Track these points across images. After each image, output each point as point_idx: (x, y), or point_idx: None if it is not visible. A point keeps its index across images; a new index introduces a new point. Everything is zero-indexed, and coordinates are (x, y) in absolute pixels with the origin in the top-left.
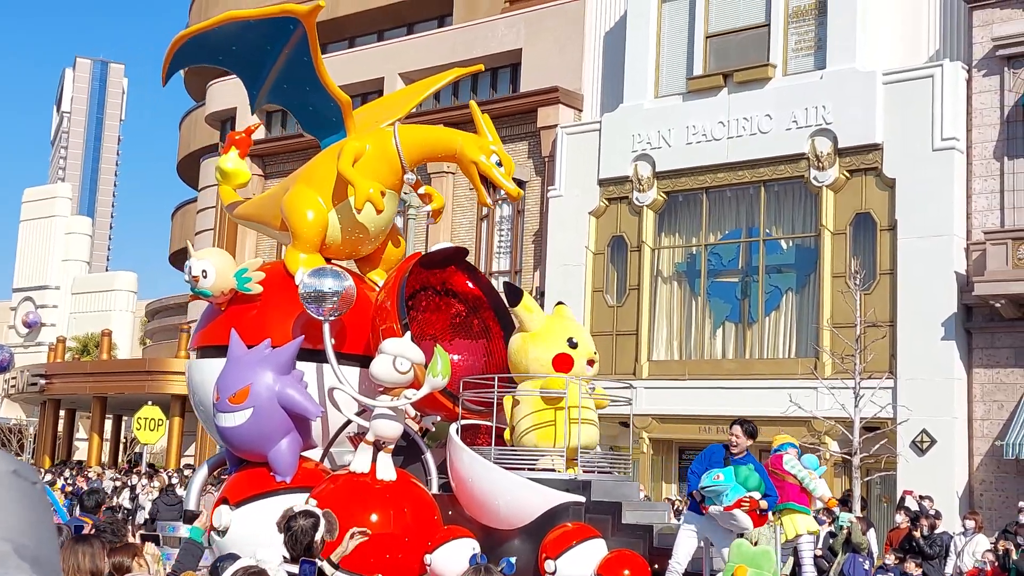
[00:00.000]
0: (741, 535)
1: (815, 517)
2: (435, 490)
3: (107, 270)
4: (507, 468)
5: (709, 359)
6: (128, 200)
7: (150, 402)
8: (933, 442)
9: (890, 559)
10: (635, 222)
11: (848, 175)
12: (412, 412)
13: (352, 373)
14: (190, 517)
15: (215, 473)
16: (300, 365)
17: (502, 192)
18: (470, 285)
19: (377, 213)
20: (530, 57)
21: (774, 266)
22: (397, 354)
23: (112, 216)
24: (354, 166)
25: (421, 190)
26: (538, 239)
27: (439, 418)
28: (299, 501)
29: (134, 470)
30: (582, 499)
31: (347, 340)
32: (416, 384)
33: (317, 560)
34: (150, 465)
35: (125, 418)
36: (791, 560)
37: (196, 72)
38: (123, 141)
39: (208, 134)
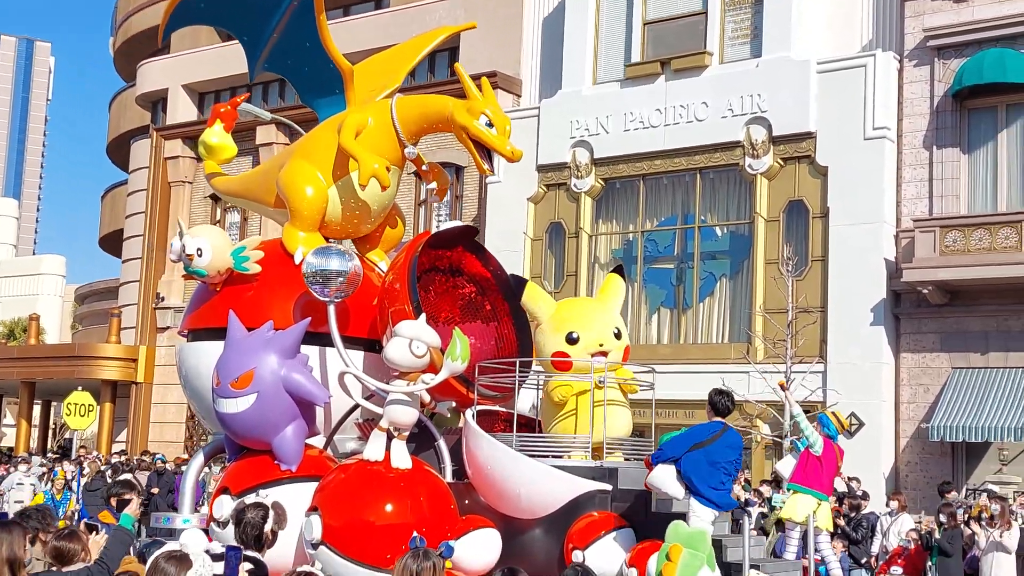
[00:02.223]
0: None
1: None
2: (449, 478)
3: (34, 253)
4: (531, 455)
5: (645, 344)
6: (56, 182)
7: (80, 388)
8: (861, 425)
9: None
10: (573, 208)
11: (782, 163)
12: (427, 398)
13: (356, 357)
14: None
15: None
16: (303, 349)
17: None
18: (479, 266)
19: (382, 190)
20: (468, 42)
21: (709, 252)
22: (413, 337)
23: (39, 199)
24: (356, 140)
25: (423, 167)
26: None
27: (453, 404)
28: (305, 490)
29: (71, 456)
30: (608, 487)
31: (350, 322)
32: (432, 368)
33: (251, 551)
34: (83, 447)
35: (54, 404)
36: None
37: (126, 52)
38: (50, 122)
39: (138, 115)
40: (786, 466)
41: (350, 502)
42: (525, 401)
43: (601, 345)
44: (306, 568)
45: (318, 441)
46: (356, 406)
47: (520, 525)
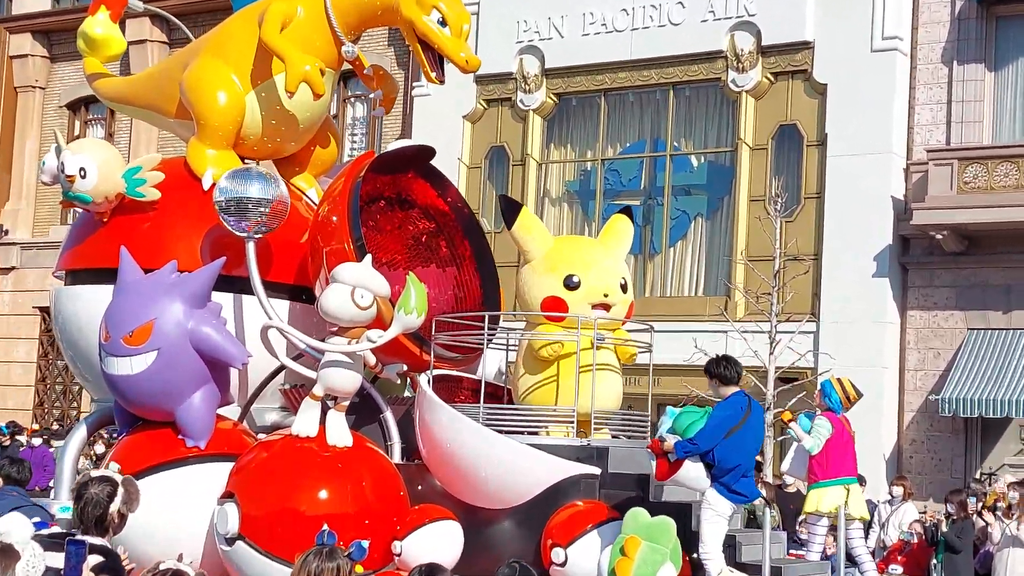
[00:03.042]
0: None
1: None
2: (398, 459)
3: None
4: (501, 431)
5: None
6: None
7: None
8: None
9: (803, 533)
10: (519, 130)
11: (772, 79)
12: (372, 359)
13: (280, 307)
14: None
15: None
16: (215, 296)
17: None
18: (436, 196)
19: (315, 98)
20: None
21: (682, 187)
22: (356, 284)
23: None
24: (282, 35)
25: (365, 70)
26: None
27: (404, 367)
28: (217, 472)
29: None
30: (596, 471)
31: (274, 264)
32: (379, 323)
33: (99, 539)
34: None
35: None
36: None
37: None
38: None
39: None
40: (796, 464)
41: (274, 488)
42: (492, 365)
43: (606, 296)
44: (173, 565)
45: (232, 411)
46: (281, 368)
47: (486, 516)
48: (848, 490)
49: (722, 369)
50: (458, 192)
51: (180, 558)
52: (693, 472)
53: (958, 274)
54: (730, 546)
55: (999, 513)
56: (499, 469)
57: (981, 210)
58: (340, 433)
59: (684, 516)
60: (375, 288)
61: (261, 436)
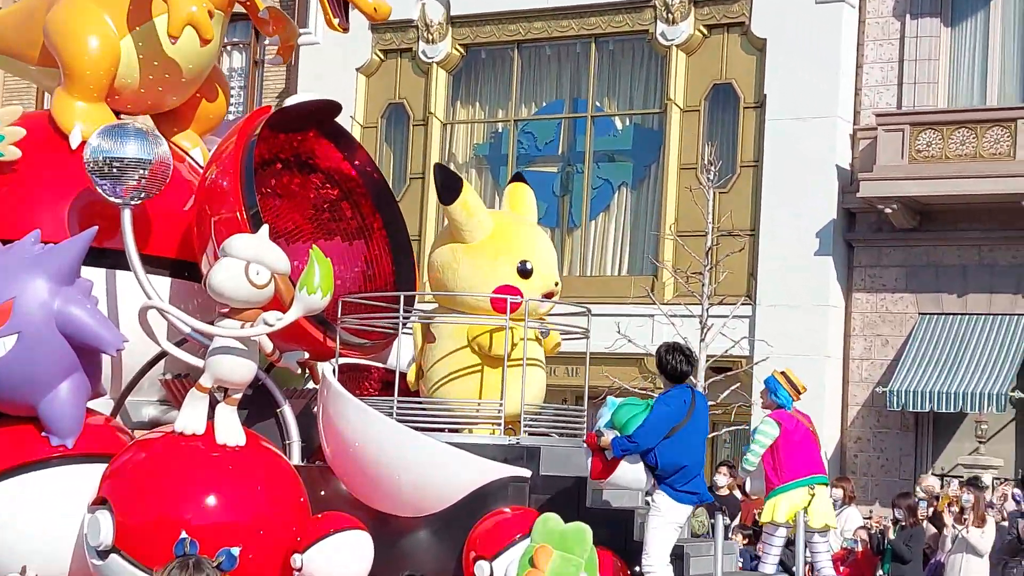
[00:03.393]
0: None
1: None
2: (297, 460)
3: None
4: (417, 428)
5: None
6: None
7: None
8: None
9: (738, 540)
10: (421, 85)
11: (706, 32)
12: (269, 346)
13: (160, 285)
14: None
15: None
16: (84, 272)
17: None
18: (341, 159)
19: (202, 44)
20: None
21: (605, 152)
22: (251, 259)
23: None
24: None
25: (260, 12)
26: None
27: (305, 355)
28: (87, 475)
29: None
30: (527, 473)
31: (152, 236)
32: (278, 304)
33: None
34: None
35: None
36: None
37: None
38: None
39: None
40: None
41: (154, 493)
42: (407, 353)
43: (557, 284)
44: None
45: (105, 405)
46: (162, 355)
47: (400, 526)
48: (812, 493)
49: (670, 358)
50: (367, 155)
51: (23, 572)
52: (631, 474)
53: (909, 252)
54: (677, 557)
55: (951, 517)
56: (415, 471)
57: (935, 181)
58: (231, 430)
59: (625, 524)
60: (272, 263)
61: (138, 434)
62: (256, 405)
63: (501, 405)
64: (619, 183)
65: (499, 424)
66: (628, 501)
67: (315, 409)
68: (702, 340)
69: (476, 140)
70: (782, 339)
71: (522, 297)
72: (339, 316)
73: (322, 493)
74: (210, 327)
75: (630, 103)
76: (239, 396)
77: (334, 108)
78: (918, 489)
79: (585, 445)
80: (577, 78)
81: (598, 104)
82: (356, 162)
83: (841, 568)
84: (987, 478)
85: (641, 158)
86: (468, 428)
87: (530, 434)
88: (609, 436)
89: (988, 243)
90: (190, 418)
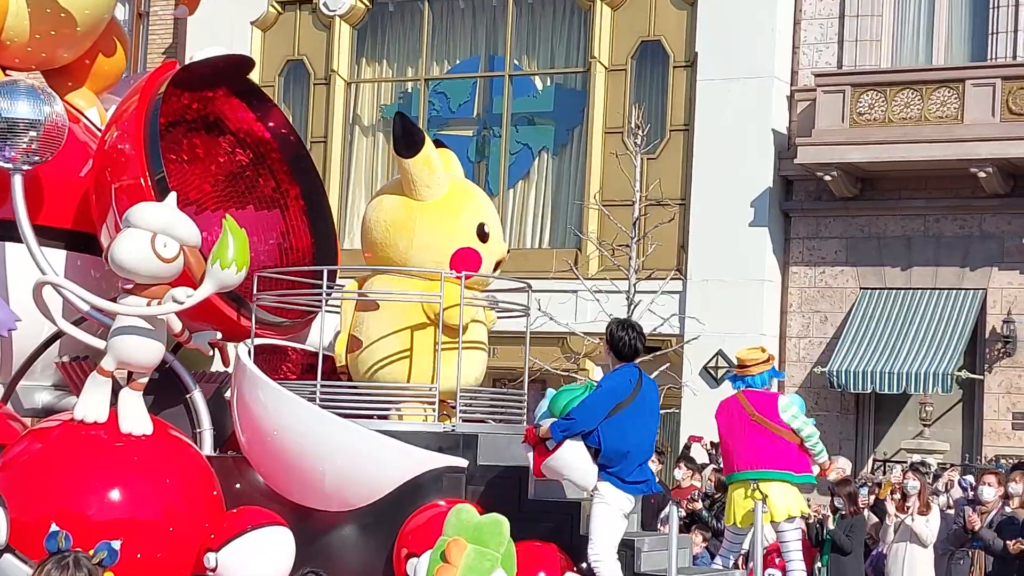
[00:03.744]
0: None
1: None
2: (209, 450)
3: None
4: (342, 414)
5: None
6: None
7: None
8: (731, 368)
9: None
10: (322, 40)
11: None
12: (178, 326)
13: (55, 258)
14: None
15: None
16: None
17: None
18: (254, 120)
19: None
20: None
21: (524, 115)
22: (158, 229)
23: None
24: None
25: None
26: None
27: (218, 335)
28: None
29: None
30: (463, 463)
31: (45, 205)
32: (187, 279)
33: None
34: None
35: None
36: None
37: None
38: None
39: None
40: None
41: (52, 487)
42: (330, 332)
43: (507, 253)
44: None
45: None
46: (58, 335)
47: (324, 521)
48: (756, 486)
49: (622, 334)
50: (283, 116)
51: None
52: (574, 460)
53: (850, 223)
54: (627, 548)
55: (894, 505)
56: (341, 462)
57: (878, 146)
58: (137, 418)
59: (571, 517)
60: (182, 235)
61: (31, 422)
62: (163, 390)
63: (432, 387)
64: (539, 148)
65: (433, 409)
66: (573, 493)
67: (227, 394)
68: (629, 318)
69: (383, 101)
70: (714, 316)
71: (480, 263)
72: (255, 292)
73: (237, 486)
74: (112, 304)
75: (551, 61)
76: (145, 380)
77: (246, 64)
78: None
79: (524, 443)
80: (494, 34)
81: (516, 62)
82: (270, 124)
83: (777, 560)
84: (932, 463)
85: (563, 121)
86: (397, 414)
87: (465, 420)
88: (547, 424)
89: (934, 213)
90: (91, 405)
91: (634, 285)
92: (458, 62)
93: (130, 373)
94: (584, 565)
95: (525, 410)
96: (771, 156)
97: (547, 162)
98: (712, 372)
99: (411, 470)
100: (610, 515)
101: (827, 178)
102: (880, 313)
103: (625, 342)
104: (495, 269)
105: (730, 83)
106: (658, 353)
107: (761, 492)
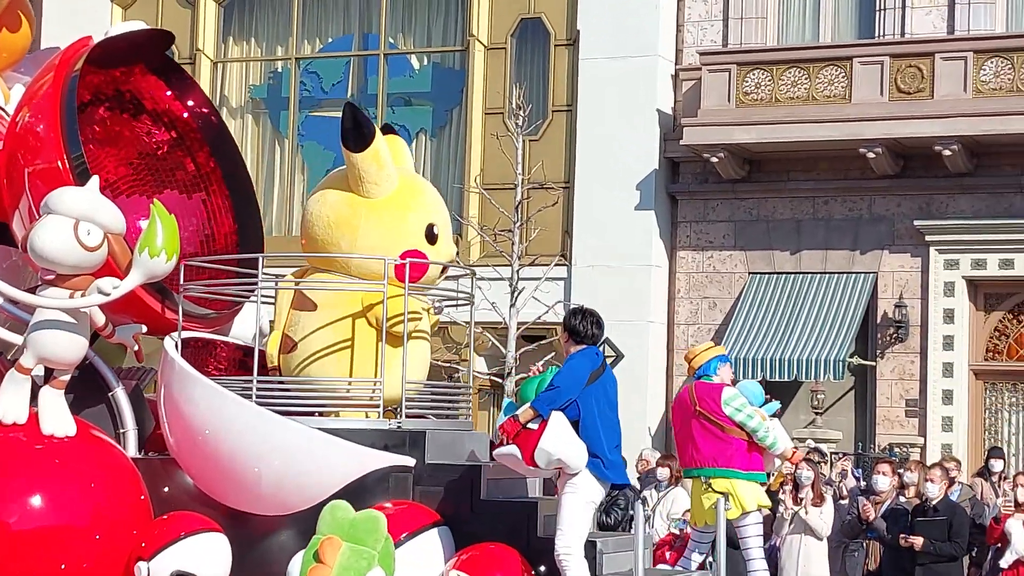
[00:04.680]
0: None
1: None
2: (134, 452)
3: None
4: (280, 412)
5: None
6: None
7: None
8: (619, 357)
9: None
10: (186, 18)
11: None
12: (100, 319)
13: None
14: None
15: None
16: None
17: None
18: (172, 99)
19: None
20: None
21: (400, 95)
22: (81, 216)
23: None
24: None
25: None
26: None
27: (143, 329)
28: None
29: None
30: (411, 461)
31: None
32: (111, 269)
33: None
34: None
35: None
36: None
37: None
38: None
39: None
40: None
41: None
42: (248, 324)
43: (458, 254)
44: None
45: None
46: None
47: (262, 526)
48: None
49: (577, 322)
50: (204, 94)
51: None
52: (566, 434)
53: (737, 206)
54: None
55: (785, 497)
56: (280, 463)
57: (764, 127)
58: (59, 418)
59: (528, 518)
60: (105, 222)
61: None
62: (83, 388)
63: (378, 384)
64: (417, 129)
65: (377, 406)
66: (531, 492)
67: (144, 391)
68: (512, 306)
69: (252, 81)
70: (600, 303)
71: (428, 264)
72: (181, 282)
73: (165, 489)
74: (33, 297)
75: (428, 40)
76: (67, 378)
77: (165, 39)
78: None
79: (503, 436)
80: (367, 11)
81: (392, 41)
82: (190, 103)
83: (668, 554)
84: (825, 451)
85: (441, 102)
86: (335, 411)
87: (408, 416)
88: (526, 408)
89: (823, 194)
90: (9, 405)
91: (517, 272)
92: (330, 40)
93: (48, 370)
94: (542, 569)
95: (470, 404)
96: (656, 137)
97: (425, 144)
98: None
99: (355, 470)
100: (582, 505)
101: (714, 160)
102: (770, 298)
103: (584, 328)
104: (442, 273)
105: (613, 62)
106: (543, 342)
107: (714, 489)
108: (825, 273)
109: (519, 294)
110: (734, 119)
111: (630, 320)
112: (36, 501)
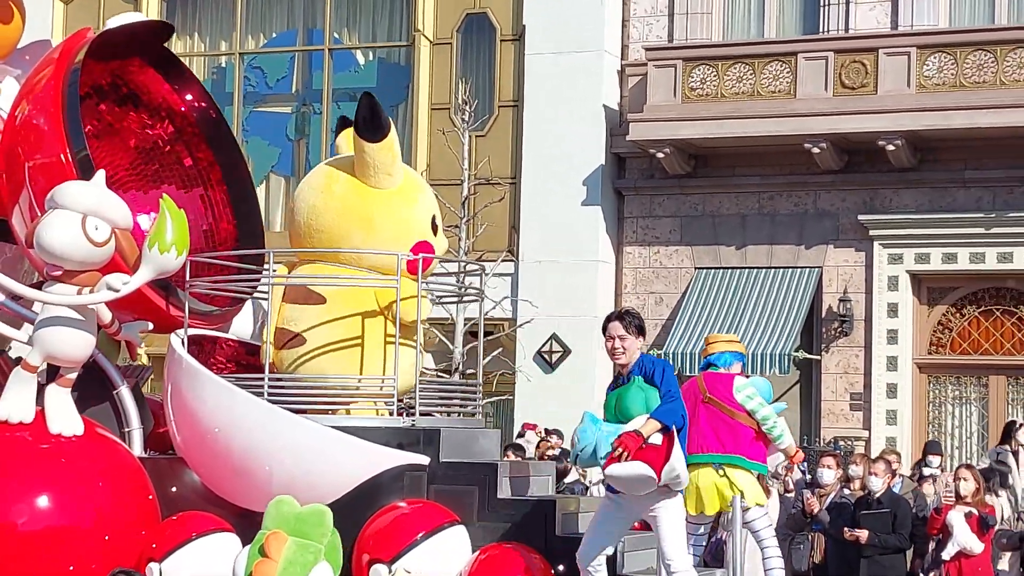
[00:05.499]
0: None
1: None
2: (139, 451)
3: None
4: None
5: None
6: None
7: None
8: (567, 352)
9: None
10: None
11: None
12: (107, 315)
13: None
14: None
15: None
16: None
17: None
18: (171, 92)
19: None
20: None
21: (346, 90)
22: (89, 211)
23: None
24: None
25: None
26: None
27: (149, 326)
28: None
29: None
30: (425, 460)
31: None
32: (118, 265)
33: None
34: None
35: None
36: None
37: None
38: None
39: None
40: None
41: None
42: (246, 322)
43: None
44: None
45: None
46: None
47: None
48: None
49: (635, 320)
50: (202, 88)
51: None
52: (680, 450)
53: (683, 201)
54: None
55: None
56: (292, 462)
57: (710, 122)
58: (67, 418)
59: (546, 516)
60: (113, 217)
61: None
62: (86, 387)
63: (391, 380)
64: None
65: (390, 403)
66: (550, 490)
67: (143, 388)
68: (459, 301)
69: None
70: (548, 299)
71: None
72: (188, 278)
73: (173, 489)
74: (40, 293)
75: (373, 35)
76: (74, 376)
77: (164, 31)
78: None
79: (623, 451)
80: (312, 5)
81: (337, 36)
82: (188, 96)
83: None
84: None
85: (387, 97)
86: (345, 409)
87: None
88: (642, 420)
89: (768, 190)
90: (15, 404)
91: (464, 269)
92: (275, 35)
93: (52, 368)
94: (562, 568)
95: (478, 403)
96: (602, 133)
97: None
98: (546, 357)
99: (370, 469)
100: (678, 523)
101: (660, 155)
102: (715, 293)
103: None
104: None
105: (559, 57)
106: (490, 338)
107: (730, 479)
108: (770, 268)
109: (465, 290)
110: (680, 115)
111: (577, 315)
112: (44, 502)
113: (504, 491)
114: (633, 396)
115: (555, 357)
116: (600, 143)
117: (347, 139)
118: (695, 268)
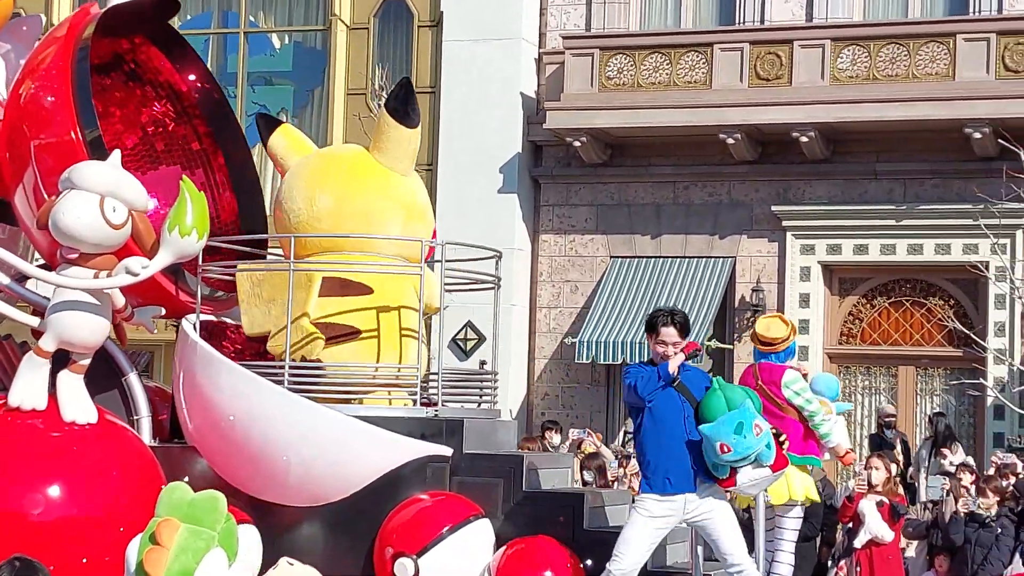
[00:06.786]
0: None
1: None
2: (149, 438)
3: None
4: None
5: None
6: None
7: None
8: (481, 340)
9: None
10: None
11: None
12: (121, 300)
13: None
14: None
15: None
16: None
17: None
18: (174, 71)
19: None
20: None
21: (261, 74)
22: (107, 192)
23: None
24: None
25: None
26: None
27: (162, 311)
28: None
29: None
30: (448, 451)
31: None
32: (134, 248)
33: None
34: None
35: None
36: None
37: None
38: None
39: None
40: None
41: None
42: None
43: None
44: None
45: None
46: None
47: (291, 517)
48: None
49: (682, 318)
50: (205, 68)
51: None
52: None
53: (599, 190)
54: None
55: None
56: (310, 451)
57: (626, 112)
58: (80, 404)
59: (573, 509)
60: (130, 198)
61: None
62: (94, 373)
63: (413, 369)
64: (278, 110)
65: (415, 393)
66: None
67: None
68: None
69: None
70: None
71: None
72: (200, 263)
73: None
74: (55, 276)
75: (289, 18)
76: (87, 362)
77: (170, 7)
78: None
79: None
80: None
81: (252, 19)
82: (191, 76)
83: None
84: None
85: (303, 81)
86: (361, 397)
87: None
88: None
89: (683, 180)
90: (27, 390)
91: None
92: (189, 18)
93: (63, 353)
94: (590, 562)
95: (496, 393)
96: (520, 121)
97: None
98: (461, 344)
99: (391, 460)
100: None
101: (576, 144)
102: (631, 282)
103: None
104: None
105: (476, 44)
106: None
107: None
108: (685, 257)
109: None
110: (597, 103)
111: (491, 303)
112: (57, 491)
113: (530, 484)
114: (719, 399)
115: (470, 345)
116: (517, 131)
117: (286, 138)
118: (611, 257)
